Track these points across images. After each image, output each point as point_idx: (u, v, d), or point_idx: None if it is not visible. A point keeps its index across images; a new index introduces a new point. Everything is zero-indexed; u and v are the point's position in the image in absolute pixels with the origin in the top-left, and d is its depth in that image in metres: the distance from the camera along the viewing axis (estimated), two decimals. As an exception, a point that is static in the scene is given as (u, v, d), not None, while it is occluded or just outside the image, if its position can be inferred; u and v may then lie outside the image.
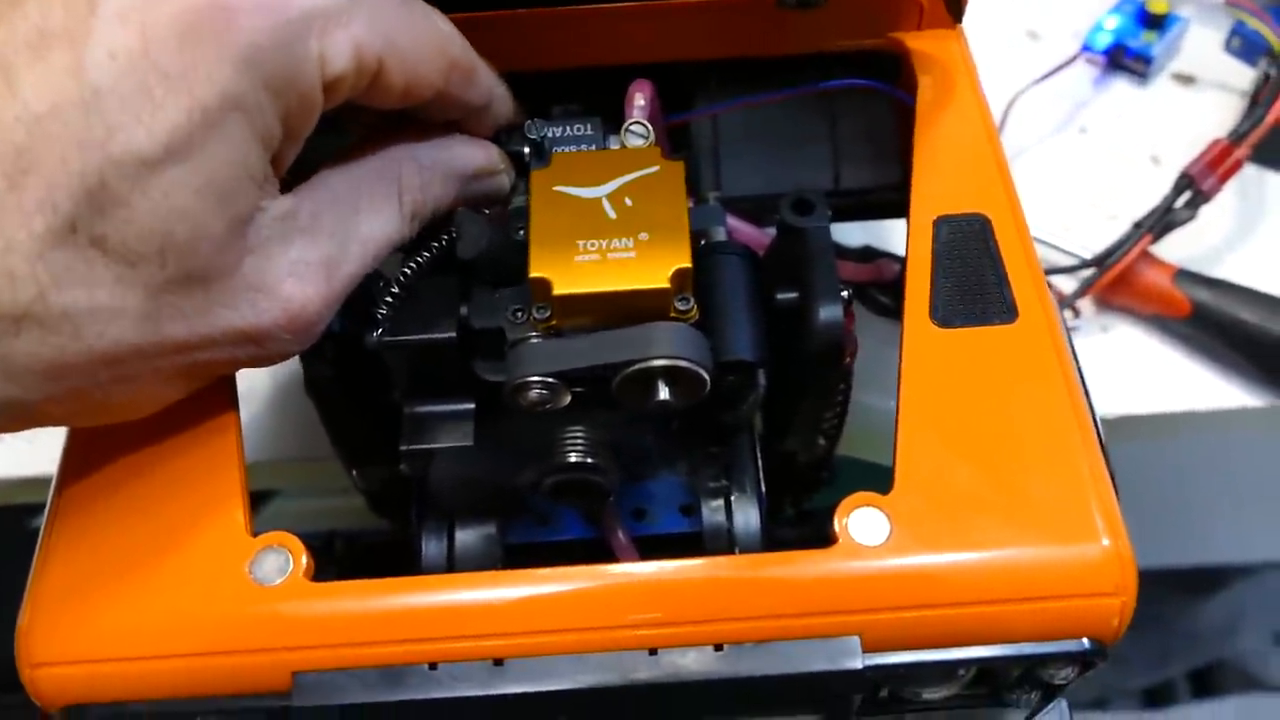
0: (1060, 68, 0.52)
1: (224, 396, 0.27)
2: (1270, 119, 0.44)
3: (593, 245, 0.27)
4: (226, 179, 0.22)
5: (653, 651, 0.25)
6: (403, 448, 0.30)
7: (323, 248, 0.25)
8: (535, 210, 0.28)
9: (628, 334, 0.27)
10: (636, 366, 0.27)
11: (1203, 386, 0.44)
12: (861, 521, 0.25)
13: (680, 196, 0.28)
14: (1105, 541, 0.25)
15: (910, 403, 0.27)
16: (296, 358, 0.29)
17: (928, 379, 0.27)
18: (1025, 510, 0.25)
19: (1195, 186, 0.43)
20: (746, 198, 0.36)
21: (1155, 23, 0.54)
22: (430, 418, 0.31)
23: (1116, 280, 0.44)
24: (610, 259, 0.27)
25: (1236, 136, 0.44)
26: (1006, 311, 0.28)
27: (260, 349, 0.24)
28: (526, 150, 0.31)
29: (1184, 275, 0.44)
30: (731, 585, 0.25)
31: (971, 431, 0.26)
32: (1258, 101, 0.46)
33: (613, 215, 0.28)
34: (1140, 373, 0.45)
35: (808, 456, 0.36)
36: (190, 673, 0.24)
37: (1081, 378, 0.29)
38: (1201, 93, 0.54)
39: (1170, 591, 1.00)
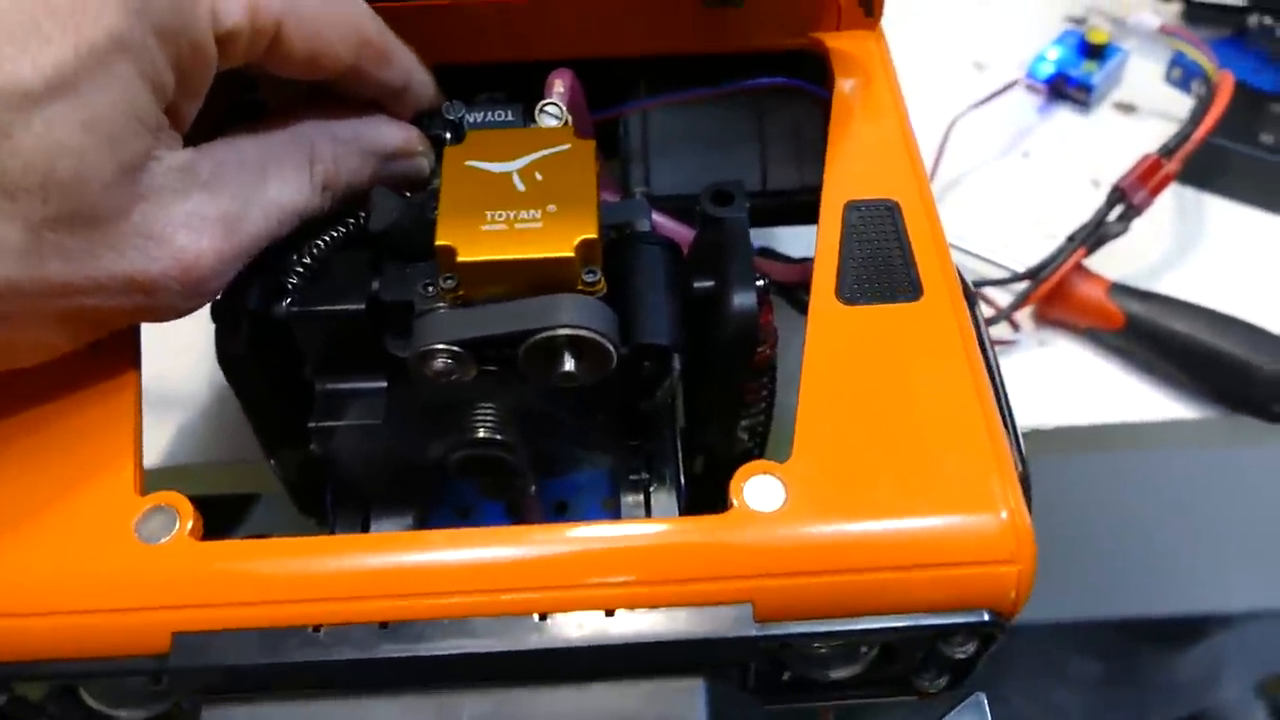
0: (999, 92, 0.53)
1: (126, 354, 0.27)
2: (1198, 134, 0.44)
3: (500, 216, 0.27)
4: (113, 120, 0.22)
5: (542, 616, 0.24)
6: (310, 424, 0.30)
7: (223, 204, 0.25)
8: (446, 183, 0.28)
9: (532, 303, 0.27)
10: (541, 335, 0.27)
11: (1137, 398, 0.44)
12: (757, 488, 0.25)
13: (590, 173, 0.28)
14: (1003, 513, 0.25)
15: (812, 375, 0.27)
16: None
17: (831, 353, 0.27)
18: (923, 480, 0.25)
19: (1127, 200, 0.44)
20: (675, 197, 0.37)
21: (1095, 53, 0.55)
22: (341, 395, 0.31)
23: (1052, 294, 0.45)
24: (517, 229, 0.27)
25: (1166, 151, 0.45)
26: (911, 290, 0.28)
27: (150, 299, 0.24)
28: (448, 135, 0.32)
29: (1118, 289, 0.45)
30: (622, 550, 0.25)
31: (873, 403, 0.26)
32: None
33: (522, 188, 0.28)
34: (1077, 385, 0.45)
35: (728, 452, 0.35)
36: (68, 631, 0.24)
37: (993, 368, 0.29)
38: (1142, 120, 0.55)
39: (1146, 643, 0.99)
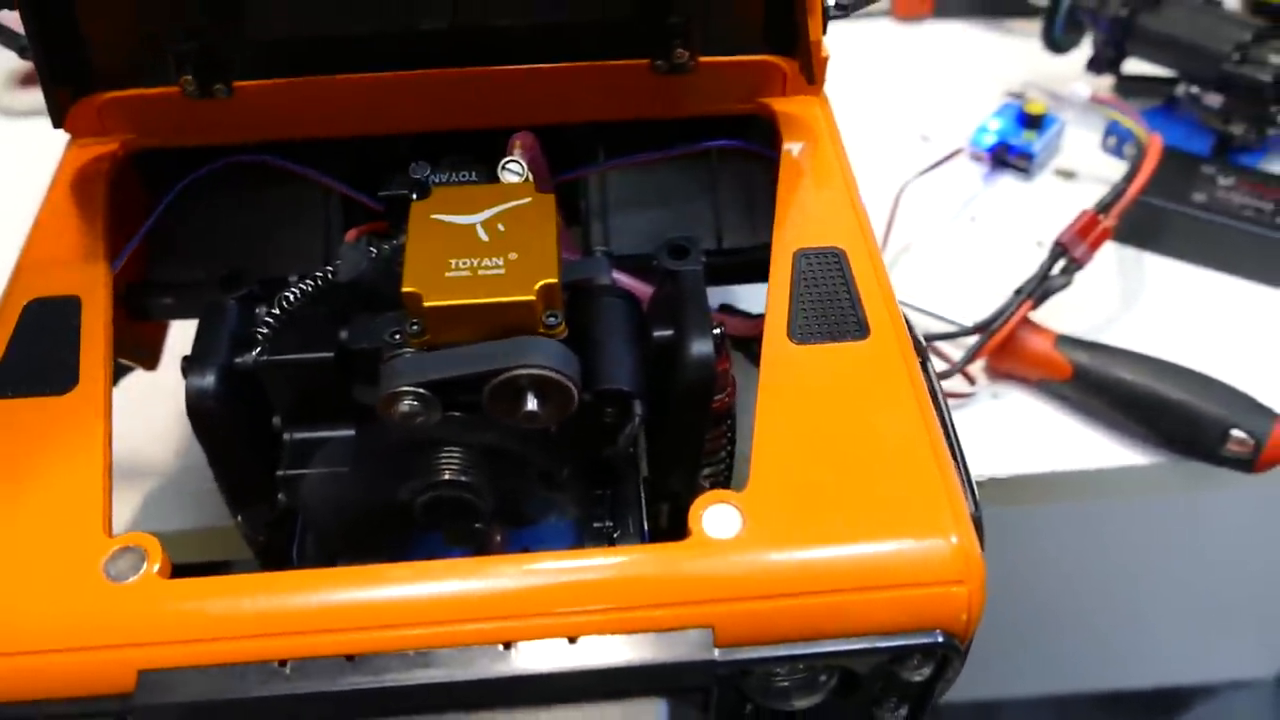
0: (944, 160, 0.55)
1: (95, 402, 0.28)
2: (1131, 190, 0.47)
3: (464, 264, 0.29)
4: None
5: (506, 646, 0.25)
6: (279, 472, 0.31)
7: None
8: (412, 235, 0.30)
9: (496, 346, 0.28)
10: (504, 376, 0.28)
11: (1089, 446, 0.46)
12: (714, 516, 0.26)
13: (550, 223, 0.30)
14: (952, 537, 0.26)
15: (767, 410, 0.28)
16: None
17: (784, 389, 0.29)
18: (875, 506, 0.26)
19: (1068, 254, 0.46)
20: (634, 255, 0.38)
21: (1034, 123, 0.58)
22: (310, 444, 0.31)
23: (1003, 347, 0.46)
24: (481, 275, 0.28)
25: (1102, 207, 0.47)
26: (859, 329, 0.30)
27: None
28: (414, 195, 0.33)
29: (1064, 340, 0.46)
30: (583, 580, 0.25)
31: (825, 436, 0.28)
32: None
33: (485, 239, 0.29)
34: (1030, 435, 0.46)
35: (691, 499, 0.36)
36: (37, 672, 0.24)
37: (944, 414, 0.30)
38: (1082, 185, 0.58)
39: (1124, 716, 0.99)
